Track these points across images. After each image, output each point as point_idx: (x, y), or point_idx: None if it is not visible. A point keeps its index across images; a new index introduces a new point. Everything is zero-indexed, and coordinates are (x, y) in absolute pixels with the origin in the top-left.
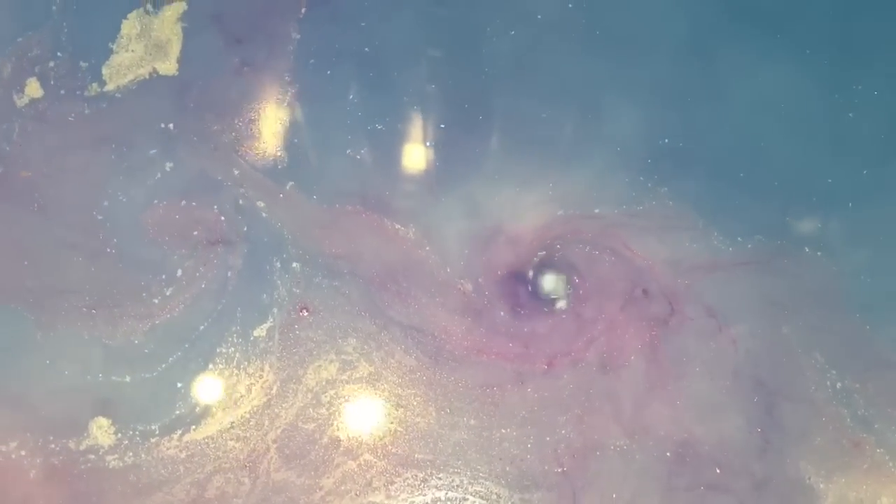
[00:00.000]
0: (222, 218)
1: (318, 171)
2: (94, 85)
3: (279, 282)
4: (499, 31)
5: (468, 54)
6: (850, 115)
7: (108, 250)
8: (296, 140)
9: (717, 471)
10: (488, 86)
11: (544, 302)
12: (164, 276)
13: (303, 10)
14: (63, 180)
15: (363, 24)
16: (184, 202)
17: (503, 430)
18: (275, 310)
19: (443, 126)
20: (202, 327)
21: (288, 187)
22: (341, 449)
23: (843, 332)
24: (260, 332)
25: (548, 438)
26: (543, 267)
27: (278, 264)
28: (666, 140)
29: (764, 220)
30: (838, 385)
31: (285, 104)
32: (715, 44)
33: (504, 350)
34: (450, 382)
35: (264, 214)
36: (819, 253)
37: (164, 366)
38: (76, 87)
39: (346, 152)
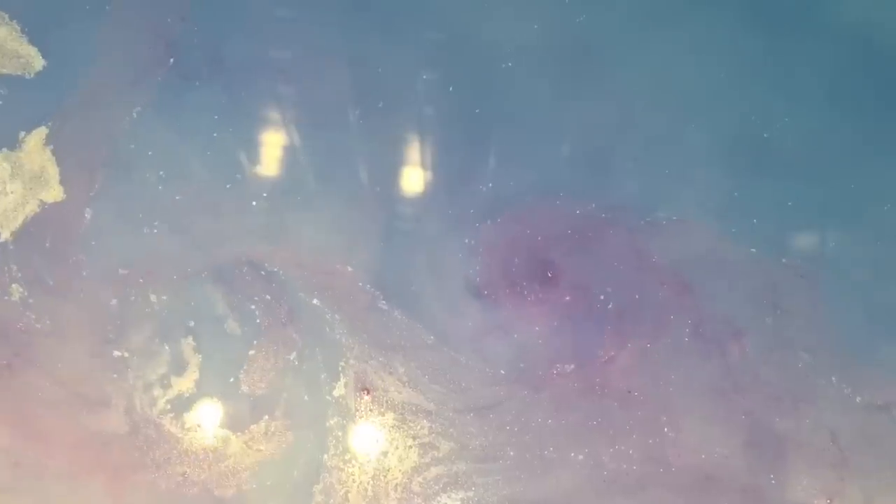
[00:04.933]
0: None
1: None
2: (15, 286)
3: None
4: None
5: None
6: (765, 135)
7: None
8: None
9: (828, 501)
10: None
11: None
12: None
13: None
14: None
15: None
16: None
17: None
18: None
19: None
20: (307, 436)
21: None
22: None
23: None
24: (338, 389)
25: (650, 441)
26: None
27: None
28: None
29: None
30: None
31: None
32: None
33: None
34: (545, 424)
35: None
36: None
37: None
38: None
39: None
